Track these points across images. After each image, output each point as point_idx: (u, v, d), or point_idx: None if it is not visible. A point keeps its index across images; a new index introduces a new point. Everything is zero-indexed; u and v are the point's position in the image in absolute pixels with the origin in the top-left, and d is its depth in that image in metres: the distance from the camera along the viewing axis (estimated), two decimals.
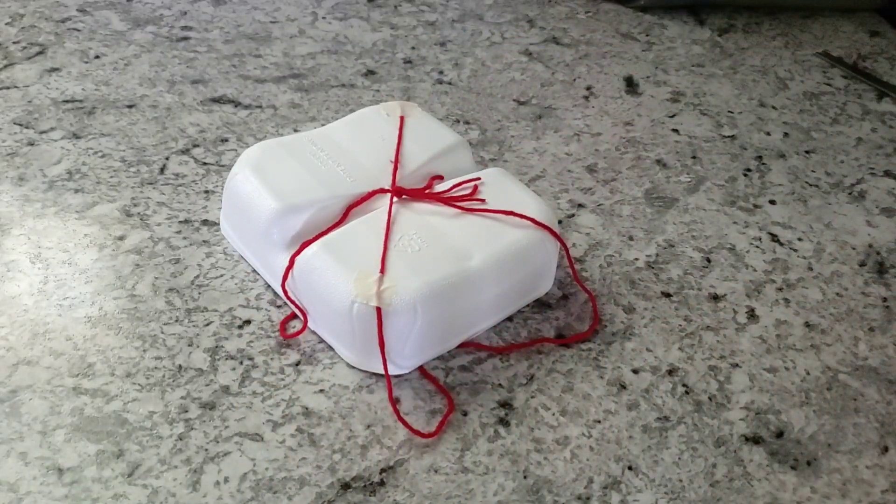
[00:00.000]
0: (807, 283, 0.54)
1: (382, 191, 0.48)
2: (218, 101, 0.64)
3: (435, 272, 0.43)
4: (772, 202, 0.60)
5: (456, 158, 0.52)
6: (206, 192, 0.55)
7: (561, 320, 0.49)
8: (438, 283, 0.43)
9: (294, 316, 0.47)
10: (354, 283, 0.42)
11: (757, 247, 0.56)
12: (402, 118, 0.53)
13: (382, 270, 0.43)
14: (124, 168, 0.56)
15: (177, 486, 0.39)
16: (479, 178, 0.49)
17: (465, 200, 0.47)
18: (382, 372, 0.43)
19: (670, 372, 0.47)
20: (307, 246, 0.45)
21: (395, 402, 0.43)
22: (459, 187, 0.48)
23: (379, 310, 0.42)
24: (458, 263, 0.44)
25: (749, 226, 0.58)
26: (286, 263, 0.45)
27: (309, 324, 0.46)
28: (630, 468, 0.42)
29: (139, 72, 0.66)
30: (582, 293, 0.51)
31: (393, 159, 0.50)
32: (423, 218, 0.47)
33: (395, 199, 0.47)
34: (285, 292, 0.46)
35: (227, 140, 0.60)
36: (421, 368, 0.45)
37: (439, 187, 0.49)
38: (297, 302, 0.46)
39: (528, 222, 0.46)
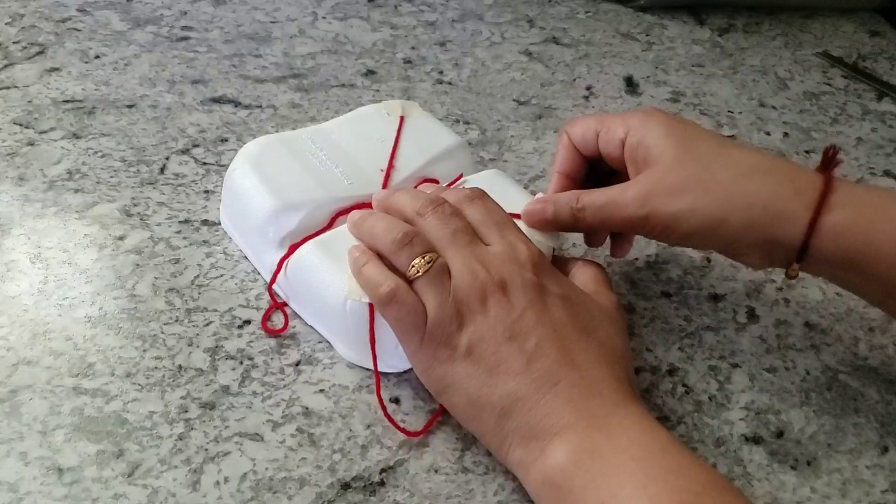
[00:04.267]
0: (807, 283, 0.54)
1: (368, 204, 0.47)
2: (218, 101, 0.64)
3: None
4: None
5: (455, 161, 0.52)
6: (206, 192, 0.55)
7: None
8: None
9: (273, 309, 0.47)
10: (347, 281, 0.42)
11: None
12: (401, 118, 0.53)
13: None
14: (124, 168, 0.56)
15: (177, 486, 0.39)
16: (466, 182, 0.49)
17: None
18: (379, 368, 0.43)
19: (670, 372, 0.47)
20: (295, 249, 0.45)
21: (382, 398, 0.43)
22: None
23: (371, 306, 0.42)
24: None
25: None
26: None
27: (306, 320, 0.47)
28: None
29: (139, 72, 0.66)
30: None
31: (385, 167, 0.50)
32: None
33: None
34: (270, 292, 0.47)
35: (227, 140, 0.60)
36: None
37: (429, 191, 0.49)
38: (285, 300, 0.47)
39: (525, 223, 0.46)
